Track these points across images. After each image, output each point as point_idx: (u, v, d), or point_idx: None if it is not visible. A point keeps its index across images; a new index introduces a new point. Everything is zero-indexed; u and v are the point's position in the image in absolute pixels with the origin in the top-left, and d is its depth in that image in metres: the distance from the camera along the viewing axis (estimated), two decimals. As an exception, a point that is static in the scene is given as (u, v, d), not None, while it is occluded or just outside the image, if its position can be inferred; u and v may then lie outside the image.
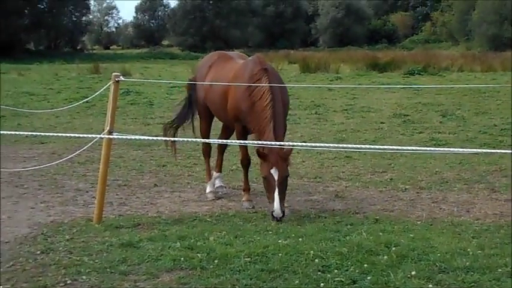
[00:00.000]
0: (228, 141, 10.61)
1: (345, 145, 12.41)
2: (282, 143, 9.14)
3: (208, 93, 10.52)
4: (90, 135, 10.82)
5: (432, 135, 16.13)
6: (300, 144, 12.34)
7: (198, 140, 10.58)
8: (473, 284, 6.46)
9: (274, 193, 8.84)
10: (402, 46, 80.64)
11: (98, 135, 9.26)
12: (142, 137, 12.47)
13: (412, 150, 12.59)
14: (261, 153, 8.98)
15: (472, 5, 74.80)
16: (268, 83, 9.31)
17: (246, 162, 10.09)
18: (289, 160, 9.26)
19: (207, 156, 11.00)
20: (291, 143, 10.02)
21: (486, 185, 11.14)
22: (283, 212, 8.81)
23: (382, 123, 18.27)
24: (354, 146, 8.62)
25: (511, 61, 37.98)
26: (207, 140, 10.47)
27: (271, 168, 8.91)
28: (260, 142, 8.82)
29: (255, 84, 9.38)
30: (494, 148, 13.76)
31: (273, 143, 8.84)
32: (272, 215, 8.82)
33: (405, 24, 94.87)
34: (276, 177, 8.88)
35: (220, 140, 10.60)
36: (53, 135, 12.37)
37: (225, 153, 11.06)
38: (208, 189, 10.58)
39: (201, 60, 12.08)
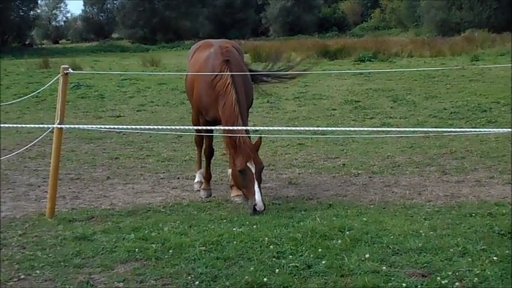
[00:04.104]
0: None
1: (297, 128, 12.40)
2: (248, 132, 9.02)
3: (185, 83, 10.53)
4: (40, 125, 10.68)
5: (383, 120, 16.28)
6: (283, 129, 12.34)
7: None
8: (426, 264, 6.51)
9: (254, 186, 8.65)
10: (352, 33, 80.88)
11: (49, 125, 9.16)
12: (92, 127, 12.37)
13: (365, 133, 12.68)
14: (233, 145, 8.81)
15: (420, -10, 75.50)
16: (231, 76, 9.08)
17: (208, 153, 10.04)
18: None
19: (199, 146, 10.59)
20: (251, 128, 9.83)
21: (437, 167, 11.29)
22: (264, 205, 8.63)
23: (333, 109, 18.39)
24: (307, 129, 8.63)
25: (459, 46, 38.41)
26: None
27: (247, 161, 8.74)
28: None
29: (219, 73, 9.17)
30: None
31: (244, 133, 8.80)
32: (254, 208, 8.56)
33: (354, 11, 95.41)
34: (253, 170, 8.72)
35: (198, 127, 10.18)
36: (3, 130, 12.20)
37: (177, 144, 10.98)
38: (196, 179, 10.46)
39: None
